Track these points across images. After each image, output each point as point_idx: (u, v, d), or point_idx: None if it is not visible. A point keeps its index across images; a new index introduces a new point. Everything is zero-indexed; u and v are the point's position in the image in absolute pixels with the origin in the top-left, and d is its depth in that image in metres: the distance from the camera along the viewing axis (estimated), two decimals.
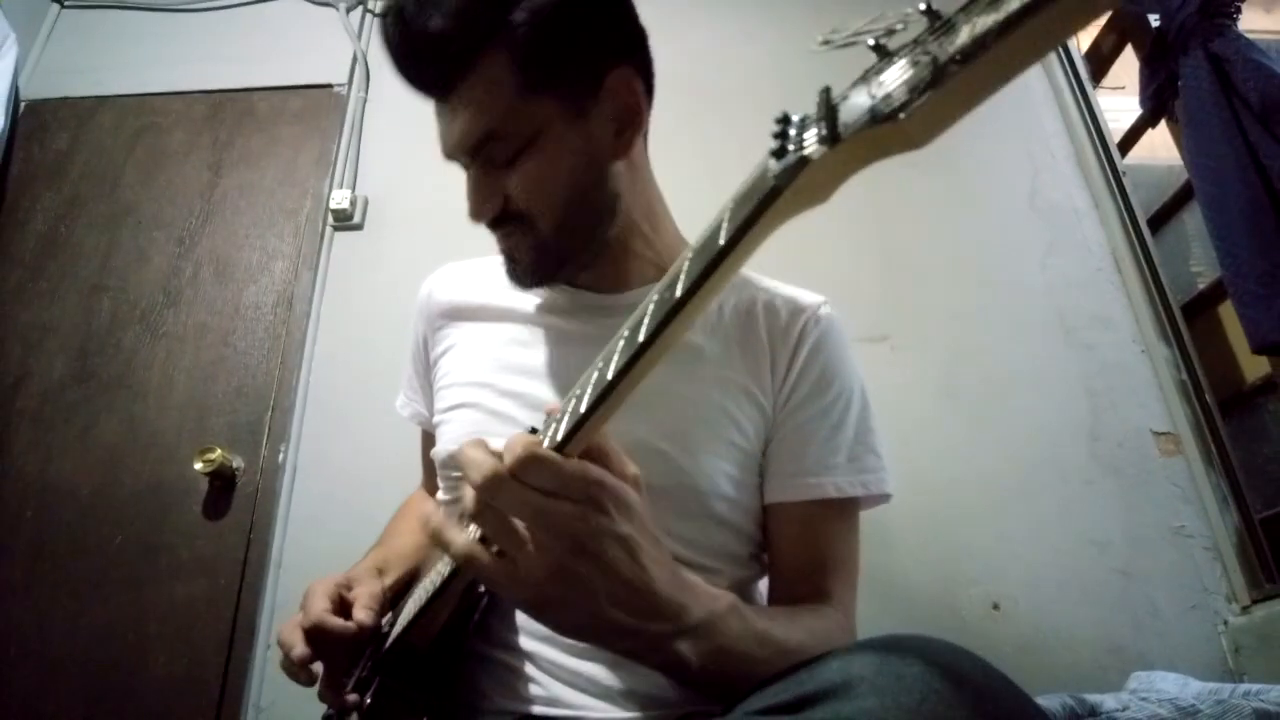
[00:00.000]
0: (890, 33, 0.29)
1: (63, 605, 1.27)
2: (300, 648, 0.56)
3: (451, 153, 0.61)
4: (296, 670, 0.56)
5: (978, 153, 1.59)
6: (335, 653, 0.58)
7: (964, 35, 0.25)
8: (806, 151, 0.31)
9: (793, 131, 0.33)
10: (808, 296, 0.69)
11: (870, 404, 0.68)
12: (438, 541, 0.44)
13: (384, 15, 0.59)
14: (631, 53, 0.63)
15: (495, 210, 0.61)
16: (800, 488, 0.63)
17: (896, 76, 0.27)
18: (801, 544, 0.63)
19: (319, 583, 0.61)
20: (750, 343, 0.65)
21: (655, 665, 0.46)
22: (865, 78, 0.29)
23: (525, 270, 0.64)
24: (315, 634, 0.56)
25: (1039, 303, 1.45)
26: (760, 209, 0.35)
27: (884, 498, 0.65)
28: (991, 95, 0.26)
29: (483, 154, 0.59)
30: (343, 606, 0.59)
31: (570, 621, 0.43)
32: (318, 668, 0.57)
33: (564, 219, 0.61)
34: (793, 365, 0.65)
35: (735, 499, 0.63)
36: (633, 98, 0.61)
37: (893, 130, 0.27)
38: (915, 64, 0.27)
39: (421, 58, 0.58)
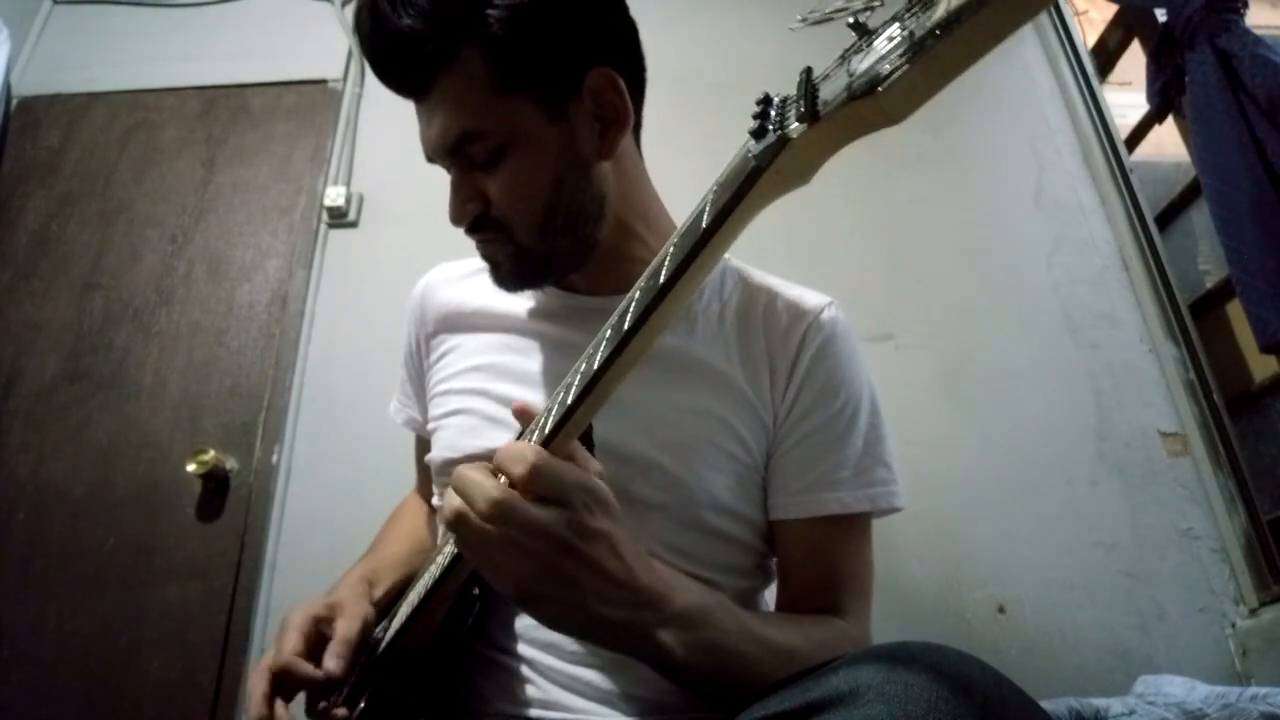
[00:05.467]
0: (869, 9, 0.29)
1: (55, 608, 1.26)
2: (255, 708, 0.53)
3: (431, 154, 0.60)
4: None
5: (982, 149, 1.58)
6: (292, 691, 0.56)
7: (941, 9, 0.25)
8: (786, 130, 0.31)
9: (773, 112, 0.33)
10: (811, 299, 0.66)
11: (881, 411, 0.65)
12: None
13: (358, 11, 0.58)
14: (614, 51, 0.61)
15: (476, 212, 0.60)
16: (805, 505, 0.61)
17: (875, 52, 0.28)
18: (810, 561, 0.62)
19: (296, 613, 0.58)
20: (750, 351, 0.63)
21: (642, 657, 0.46)
22: (845, 56, 0.30)
23: (508, 275, 0.63)
24: (285, 676, 0.55)
25: (1045, 301, 1.43)
26: (742, 191, 0.35)
27: (893, 510, 0.64)
28: (969, 68, 0.26)
29: (462, 155, 0.58)
30: (320, 641, 0.57)
31: (558, 616, 0.44)
32: (291, 708, 0.55)
33: (545, 222, 0.59)
34: (794, 375, 0.62)
35: (734, 511, 0.61)
36: (615, 97, 0.59)
37: (871, 105, 0.28)
38: (892, 39, 0.27)
39: (395, 56, 0.57)
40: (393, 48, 0.56)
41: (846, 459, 0.62)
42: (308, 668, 0.55)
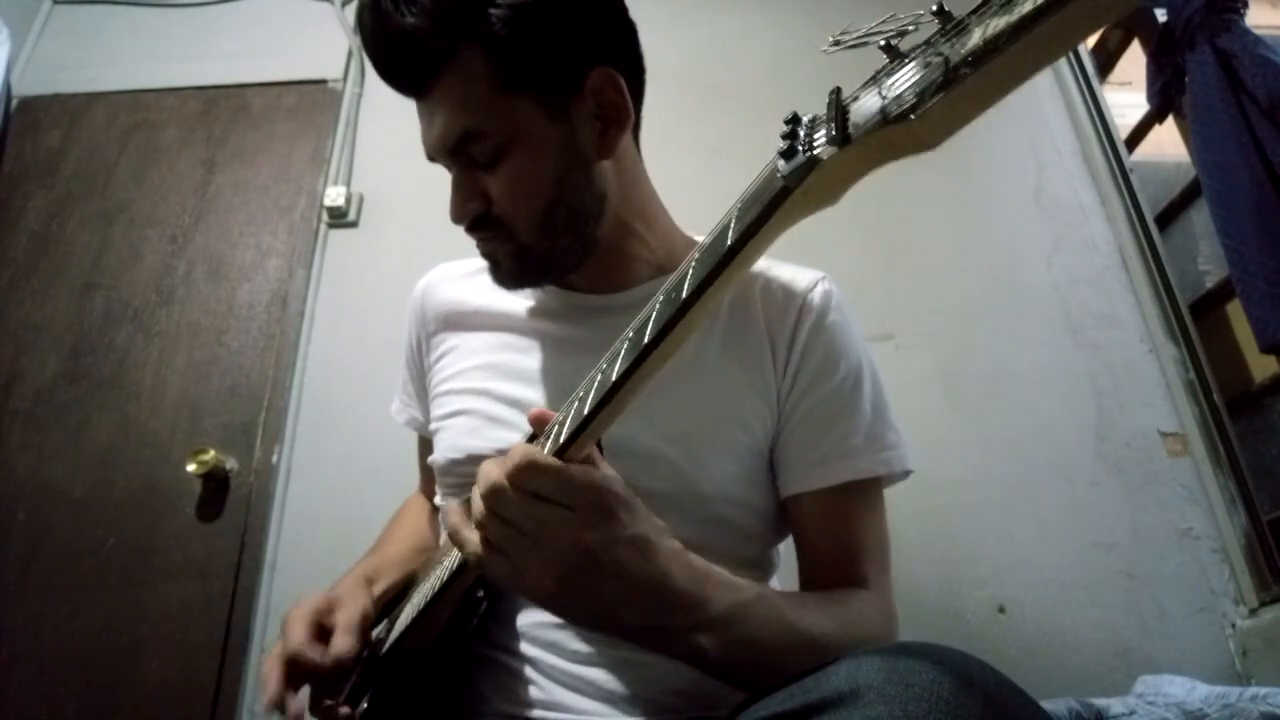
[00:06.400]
0: (902, 34, 0.29)
1: (55, 608, 1.25)
2: (273, 688, 0.54)
3: (433, 153, 0.60)
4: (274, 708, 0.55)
5: (983, 149, 1.58)
6: (321, 675, 0.57)
7: (976, 37, 0.25)
8: (816, 152, 0.31)
9: (802, 132, 0.33)
10: (805, 276, 0.67)
11: (881, 378, 0.66)
12: (455, 540, 0.46)
13: (360, 11, 0.58)
14: (615, 50, 0.61)
15: (477, 211, 0.60)
16: (820, 475, 0.61)
17: (908, 78, 0.27)
18: (828, 533, 0.62)
19: (298, 607, 0.59)
20: (749, 333, 0.64)
21: (676, 657, 0.46)
22: (876, 78, 0.30)
23: (508, 274, 0.63)
24: (294, 665, 0.55)
25: (1045, 301, 1.43)
26: (769, 210, 0.34)
27: (905, 474, 0.64)
28: (1003, 97, 0.26)
29: (463, 154, 0.58)
30: (323, 632, 0.58)
31: (583, 619, 0.44)
32: (301, 699, 0.56)
33: (546, 221, 0.60)
34: (793, 350, 0.63)
35: (743, 500, 0.62)
36: (616, 96, 0.60)
37: (904, 131, 0.28)
38: (927, 65, 0.27)
39: (397, 55, 0.57)
40: (395, 46, 0.56)
41: (857, 426, 0.62)
42: (316, 654, 0.55)
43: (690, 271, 0.38)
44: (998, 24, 0.24)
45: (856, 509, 0.62)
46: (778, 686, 0.41)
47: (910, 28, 0.28)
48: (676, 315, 0.38)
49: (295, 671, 0.56)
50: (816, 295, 0.65)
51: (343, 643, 0.56)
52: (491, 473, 0.42)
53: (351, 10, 1.78)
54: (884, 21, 0.29)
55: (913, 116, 0.27)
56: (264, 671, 0.56)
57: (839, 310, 0.65)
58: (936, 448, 1.30)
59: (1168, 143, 1.61)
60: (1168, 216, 1.63)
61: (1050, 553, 1.24)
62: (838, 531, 0.61)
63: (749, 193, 0.37)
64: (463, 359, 0.69)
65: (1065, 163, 1.57)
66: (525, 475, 0.41)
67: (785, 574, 0.70)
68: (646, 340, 0.39)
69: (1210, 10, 1.33)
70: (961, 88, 0.25)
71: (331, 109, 1.68)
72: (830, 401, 0.62)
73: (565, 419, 0.43)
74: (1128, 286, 1.45)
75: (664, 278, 0.66)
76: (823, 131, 0.32)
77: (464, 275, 0.75)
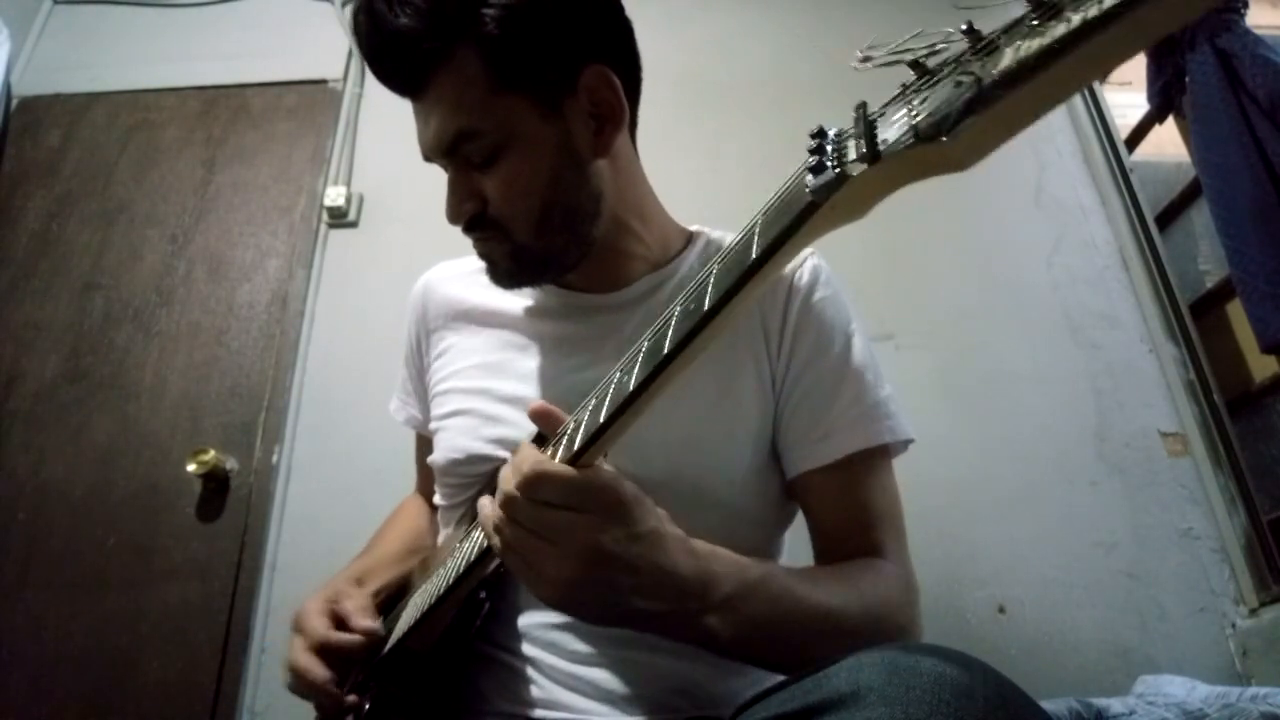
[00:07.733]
0: (932, 51, 0.28)
1: (55, 608, 1.25)
2: (320, 669, 0.56)
3: (428, 154, 0.61)
4: (313, 692, 0.57)
5: None
6: (335, 667, 0.58)
7: (1008, 58, 0.24)
8: (846, 168, 0.31)
9: (829, 147, 0.33)
10: None
11: (872, 346, 0.66)
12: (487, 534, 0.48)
13: (356, 12, 0.58)
14: (609, 48, 0.61)
15: (473, 211, 0.60)
16: (825, 450, 0.61)
17: (939, 96, 0.27)
18: (839, 507, 0.61)
19: (310, 603, 0.61)
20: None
21: (686, 641, 0.47)
22: (904, 95, 0.29)
23: (505, 273, 0.63)
24: (322, 653, 0.57)
25: (1045, 301, 1.43)
26: (795, 224, 0.35)
27: (908, 443, 0.63)
28: (1038, 119, 0.25)
29: (459, 154, 0.59)
30: (336, 622, 0.60)
31: (596, 615, 0.45)
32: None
33: (542, 220, 0.60)
34: (785, 327, 0.63)
35: (744, 486, 0.62)
36: (611, 94, 0.60)
37: (936, 151, 0.27)
38: (958, 84, 0.26)
39: (392, 55, 0.57)
40: (390, 47, 0.56)
41: (857, 397, 0.62)
42: (344, 636, 0.58)
43: (711, 284, 0.38)
44: (1029, 45, 0.23)
45: (865, 480, 0.61)
46: (779, 688, 0.41)
47: (940, 46, 0.28)
48: (698, 327, 0.38)
49: (328, 658, 0.58)
50: (805, 272, 0.65)
51: (364, 622, 0.58)
52: (506, 480, 0.44)
53: (351, 10, 1.78)
54: (913, 38, 0.29)
55: (944, 139, 0.26)
56: (300, 665, 0.57)
57: (827, 284, 0.65)
58: (936, 448, 1.30)
59: (1168, 143, 1.61)
60: (1168, 216, 1.63)
61: (1050, 553, 1.24)
62: (848, 504, 0.61)
63: (772, 206, 0.36)
64: (462, 358, 0.69)
65: (1065, 163, 1.57)
66: (535, 485, 0.42)
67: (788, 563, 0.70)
68: (666, 351, 0.39)
69: (1210, 10, 1.34)
70: (995, 109, 0.25)
71: (331, 109, 1.68)
72: (828, 376, 0.62)
73: (579, 425, 0.44)
74: (1128, 286, 1.45)
75: (658, 273, 0.67)
76: (851, 146, 0.31)
77: (463, 274, 0.75)
